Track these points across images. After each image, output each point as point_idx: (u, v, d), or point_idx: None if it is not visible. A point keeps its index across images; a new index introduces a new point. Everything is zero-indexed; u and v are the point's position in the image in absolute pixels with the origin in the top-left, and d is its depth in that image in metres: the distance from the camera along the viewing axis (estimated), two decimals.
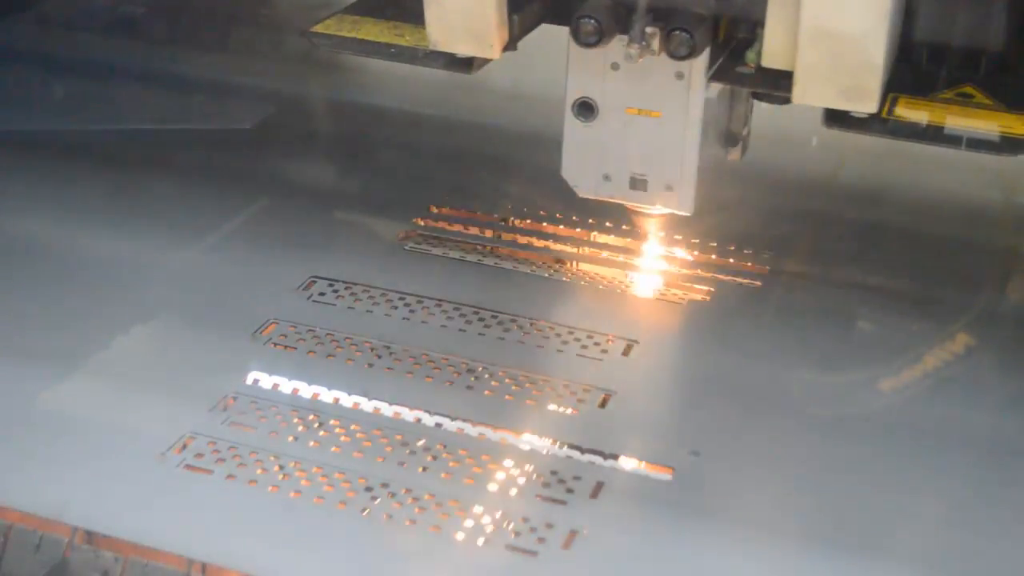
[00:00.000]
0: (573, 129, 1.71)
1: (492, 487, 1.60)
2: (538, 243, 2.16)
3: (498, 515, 1.55)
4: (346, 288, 2.01)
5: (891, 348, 1.89)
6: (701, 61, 1.61)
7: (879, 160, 2.40)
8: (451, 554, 1.50)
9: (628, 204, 1.81)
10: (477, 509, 1.56)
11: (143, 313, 1.95)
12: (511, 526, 1.53)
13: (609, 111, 1.69)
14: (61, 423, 1.69)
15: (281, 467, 1.62)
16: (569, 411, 1.74)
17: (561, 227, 2.19)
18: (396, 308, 1.97)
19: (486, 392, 1.77)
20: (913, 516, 1.58)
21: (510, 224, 2.20)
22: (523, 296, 2.01)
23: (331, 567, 1.49)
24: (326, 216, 2.27)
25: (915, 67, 1.68)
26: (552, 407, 1.75)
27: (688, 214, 1.75)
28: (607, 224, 2.19)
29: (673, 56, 1.54)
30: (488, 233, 2.19)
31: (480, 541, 1.51)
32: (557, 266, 2.09)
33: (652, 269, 2.09)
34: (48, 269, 2.06)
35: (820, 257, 2.12)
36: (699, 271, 2.08)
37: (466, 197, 2.28)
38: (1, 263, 2.06)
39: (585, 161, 1.74)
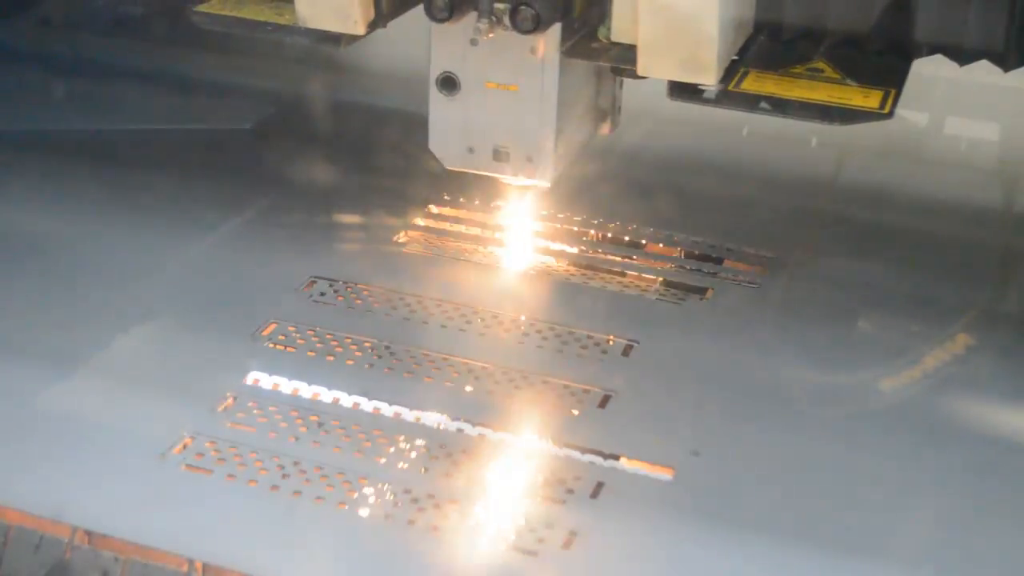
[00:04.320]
0: (438, 103, 1.77)
1: (492, 487, 1.60)
2: (537, 242, 2.16)
3: (498, 515, 1.55)
4: (346, 288, 2.01)
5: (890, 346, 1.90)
6: (553, 36, 1.65)
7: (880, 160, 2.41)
8: (451, 554, 1.50)
9: (493, 176, 1.85)
10: (477, 509, 1.56)
11: (143, 313, 1.95)
12: (511, 526, 1.53)
13: (471, 85, 1.74)
14: (61, 423, 1.69)
15: (281, 467, 1.61)
16: (569, 411, 1.74)
17: (560, 226, 2.19)
18: (396, 308, 1.97)
19: (486, 392, 1.77)
20: (913, 516, 1.58)
21: (510, 224, 2.21)
22: (523, 296, 2.01)
23: (331, 567, 1.49)
24: (326, 216, 2.26)
25: (778, 43, 1.74)
26: (552, 407, 1.75)
27: (548, 185, 1.80)
28: (606, 224, 2.19)
29: (519, 31, 1.58)
30: (488, 233, 2.19)
31: (480, 541, 1.51)
32: (557, 266, 2.10)
33: (651, 269, 2.09)
34: (48, 269, 2.05)
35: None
36: (699, 271, 2.08)
37: (466, 197, 2.28)
38: (1, 263, 2.06)
39: (451, 134, 1.79)
